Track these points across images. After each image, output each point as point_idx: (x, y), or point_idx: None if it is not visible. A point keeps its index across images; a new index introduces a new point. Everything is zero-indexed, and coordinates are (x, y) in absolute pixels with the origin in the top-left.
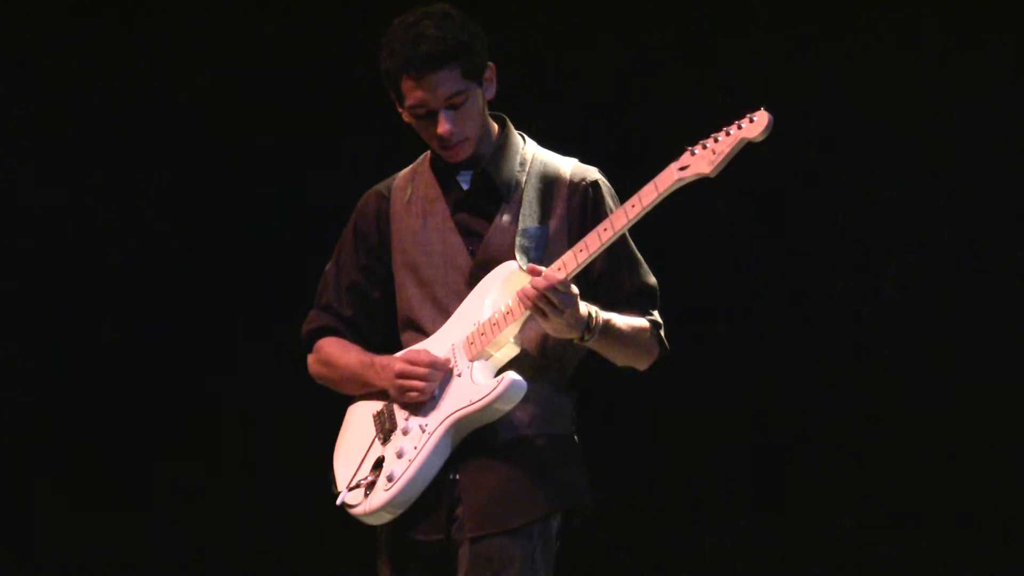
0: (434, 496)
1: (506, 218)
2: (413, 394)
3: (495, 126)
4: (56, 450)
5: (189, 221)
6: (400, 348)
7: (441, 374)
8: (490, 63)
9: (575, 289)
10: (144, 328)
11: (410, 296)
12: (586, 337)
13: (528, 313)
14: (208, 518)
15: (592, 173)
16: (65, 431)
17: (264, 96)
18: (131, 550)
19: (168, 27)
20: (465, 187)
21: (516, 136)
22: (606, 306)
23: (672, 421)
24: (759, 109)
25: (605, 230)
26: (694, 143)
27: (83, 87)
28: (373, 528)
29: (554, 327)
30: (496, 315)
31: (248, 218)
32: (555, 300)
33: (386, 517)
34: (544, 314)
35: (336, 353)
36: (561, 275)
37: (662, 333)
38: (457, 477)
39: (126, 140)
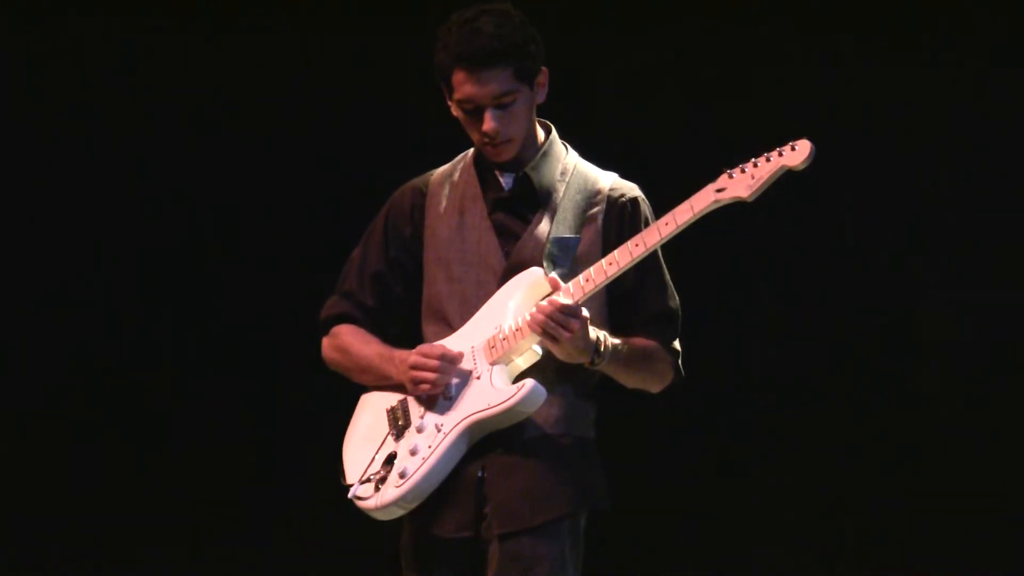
0: (462, 494)
1: (542, 224)
2: (425, 386)
3: (541, 132)
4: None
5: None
6: (421, 339)
7: (454, 368)
8: (544, 68)
9: (585, 314)
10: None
11: (440, 291)
12: (596, 361)
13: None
14: (220, 516)
15: (632, 190)
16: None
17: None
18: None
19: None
20: (506, 188)
21: (560, 145)
22: (625, 326)
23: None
24: (802, 138)
25: (636, 246)
26: (733, 165)
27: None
28: (398, 526)
29: (561, 351)
30: (516, 324)
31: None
32: (563, 324)
33: (397, 512)
34: (553, 338)
35: (354, 342)
36: (569, 300)
37: (679, 362)
38: (484, 475)
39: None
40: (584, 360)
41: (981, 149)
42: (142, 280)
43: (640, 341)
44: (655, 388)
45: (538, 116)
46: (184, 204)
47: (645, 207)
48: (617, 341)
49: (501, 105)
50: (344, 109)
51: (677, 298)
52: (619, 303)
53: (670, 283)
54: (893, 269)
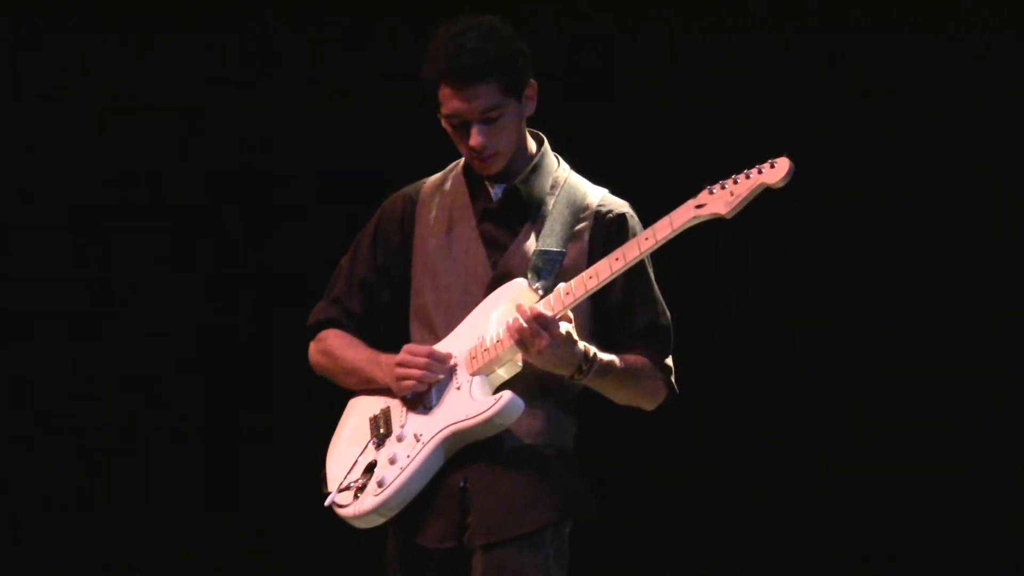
0: (445, 504)
1: (530, 236)
2: (409, 383)
3: (532, 143)
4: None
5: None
6: (408, 341)
7: (442, 367)
8: (532, 81)
9: (564, 328)
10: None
11: (427, 300)
12: (576, 377)
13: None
14: (207, 521)
15: (620, 206)
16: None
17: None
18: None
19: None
20: (495, 199)
21: (551, 157)
22: (615, 341)
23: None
24: (782, 156)
25: (616, 260)
26: (713, 181)
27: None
28: (382, 536)
29: (536, 361)
30: (498, 335)
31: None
32: (535, 333)
33: (376, 521)
34: (526, 348)
35: (340, 346)
36: (547, 311)
37: (672, 379)
38: (466, 485)
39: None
40: (565, 372)
41: (981, 149)
42: (140, 281)
43: (630, 357)
44: (647, 405)
45: (530, 127)
46: (180, 204)
47: (633, 223)
48: (607, 357)
49: (488, 120)
50: (337, 113)
51: (668, 314)
52: (607, 318)
53: (660, 299)
54: (894, 270)
